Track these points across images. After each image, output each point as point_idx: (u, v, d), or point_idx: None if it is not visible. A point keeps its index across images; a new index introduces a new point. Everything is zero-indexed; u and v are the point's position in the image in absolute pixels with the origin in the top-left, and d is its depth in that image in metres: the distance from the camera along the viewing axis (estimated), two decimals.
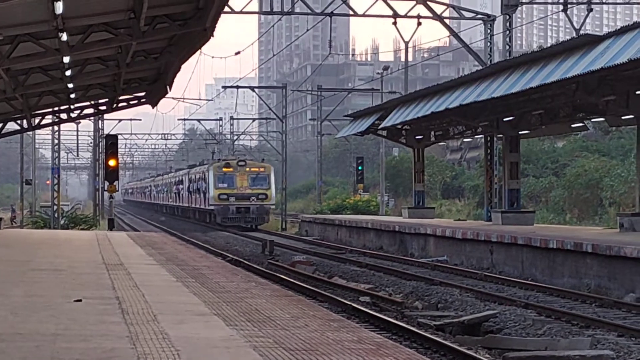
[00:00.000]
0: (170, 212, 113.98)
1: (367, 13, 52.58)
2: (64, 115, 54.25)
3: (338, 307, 24.17)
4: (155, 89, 46.29)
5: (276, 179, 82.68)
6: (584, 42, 32.53)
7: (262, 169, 75.59)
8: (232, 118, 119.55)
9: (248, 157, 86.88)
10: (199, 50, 36.21)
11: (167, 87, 45.10)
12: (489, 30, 53.52)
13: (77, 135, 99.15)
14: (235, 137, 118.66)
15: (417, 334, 19.90)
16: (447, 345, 18.45)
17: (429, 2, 51.63)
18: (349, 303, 25.24)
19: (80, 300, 17.56)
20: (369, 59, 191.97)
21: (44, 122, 55.42)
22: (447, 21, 54.78)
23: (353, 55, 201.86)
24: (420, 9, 51.41)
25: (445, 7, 54.42)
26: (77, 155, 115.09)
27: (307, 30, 73.24)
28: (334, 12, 54.26)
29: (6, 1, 22.11)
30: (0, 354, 12.18)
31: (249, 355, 12.31)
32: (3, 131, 50.79)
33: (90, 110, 55.24)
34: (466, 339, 20.63)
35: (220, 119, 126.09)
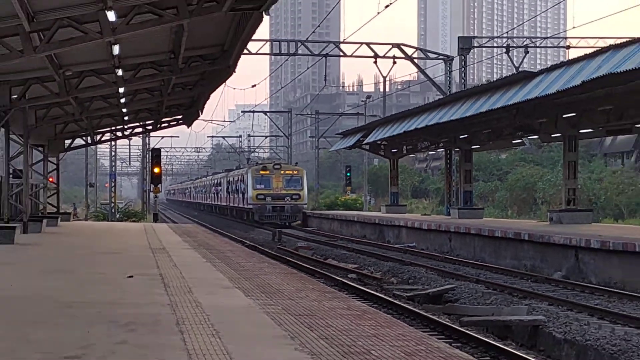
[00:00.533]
0: (207, 210, 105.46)
1: (354, 54, 52.52)
2: (119, 133, 54.65)
3: (331, 282, 24.13)
4: (189, 113, 46.33)
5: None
6: (522, 77, 32.60)
7: (295, 172, 68.39)
8: (249, 136, 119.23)
9: (283, 162, 78.47)
10: (224, 83, 36.31)
11: (199, 111, 45.27)
12: (448, 68, 53.57)
13: (129, 148, 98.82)
14: (252, 151, 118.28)
15: (392, 303, 19.93)
16: (416, 312, 18.49)
17: (402, 46, 51.72)
18: (339, 279, 25.21)
19: (132, 276, 17.61)
20: (355, 90, 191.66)
21: (103, 138, 55.43)
22: (416, 60, 54.75)
23: (343, 87, 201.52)
24: (395, 51, 51.53)
25: (414, 49, 54.34)
26: (129, 164, 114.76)
27: (308, 68, 72.75)
28: (328, 54, 54.27)
29: (75, 45, 22.10)
30: (72, 317, 12.22)
31: (263, 318, 12.35)
32: (72, 145, 50.77)
33: (139, 129, 55.28)
34: (430, 307, 20.63)
35: (240, 137, 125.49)
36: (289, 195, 65.48)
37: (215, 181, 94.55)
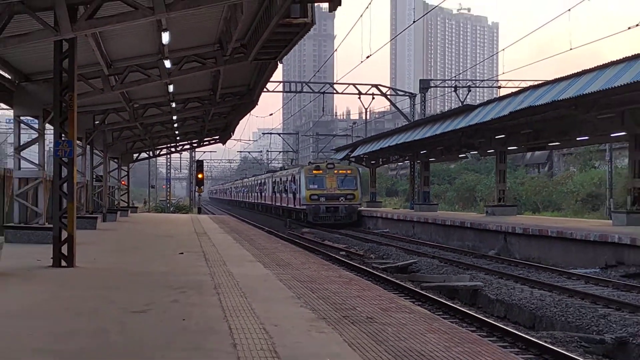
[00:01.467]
0: (246, 207, 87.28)
1: (343, 92, 52.56)
2: (172, 149, 54.58)
3: (327, 257, 24.15)
4: (224, 134, 46.37)
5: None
6: (465, 109, 32.63)
7: (349, 171, 51.21)
8: (267, 151, 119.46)
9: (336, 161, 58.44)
10: (249, 113, 36.39)
11: (231, 133, 45.28)
12: (412, 102, 53.59)
13: (180, 160, 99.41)
14: (269, 163, 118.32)
15: (372, 273, 19.94)
16: (389, 279, 18.53)
17: (378, 86, 51.72)
18: (333, 255, 25.27)
19: (182, 253, 17.65)
20: (344, 117, 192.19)
21: (161, 152, 55.54)
22: (389, 96, 54.85)
23: (335, 115, 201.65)
24: (374, 90, 51.45)
25: (387, 88, 54.37)
26: (180, 171, 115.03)
27: (310, 102, 72.57)
28: (325, 91, 54.32)
29: (141, 85, 22.16)
30: (138, 283, 12.25)
31: (277, 284, 12.37)
32: (139, 157, 50.86)
33: (187, 146, 55.47)
34: (399, 275, 20.65)
35: (261, 152, 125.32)
36: (343, 196, 49.05)
37: (259, 181, 76.60)
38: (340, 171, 48.91)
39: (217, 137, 48.63)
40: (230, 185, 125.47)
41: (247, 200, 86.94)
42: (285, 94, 66.69)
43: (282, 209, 57.27)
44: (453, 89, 51.72)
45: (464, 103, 43.10)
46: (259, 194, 73.87)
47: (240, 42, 19.56)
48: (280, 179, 57.32)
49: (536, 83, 27.37)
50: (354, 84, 51.45)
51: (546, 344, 11.05)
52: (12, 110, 20.64)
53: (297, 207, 50.58)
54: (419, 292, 16.41)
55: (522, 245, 26.35)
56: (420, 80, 54.62)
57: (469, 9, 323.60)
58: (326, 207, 47.50)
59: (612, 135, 28.43)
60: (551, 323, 14.26)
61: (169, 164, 79.84)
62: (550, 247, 24.39)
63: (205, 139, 49.91)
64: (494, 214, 35.57)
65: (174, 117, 32.80)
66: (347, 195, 48.07)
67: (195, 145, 54.79)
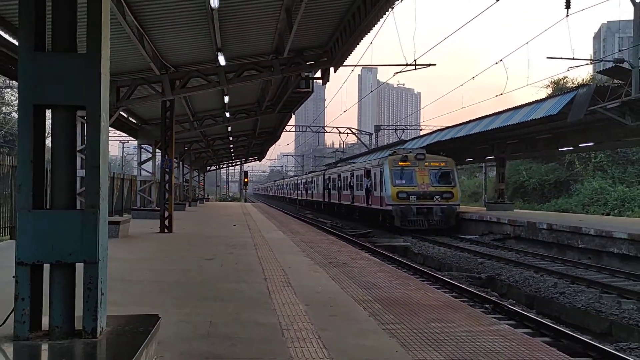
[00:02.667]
0: (286, 202, 63.12)
1: (331, 132, 52.56)
2: (230, 164, 54.21)
3: (320, 229, 23.66)
4: (260, 155, 46.09)
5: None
6: (399, 142, 32.22)
7: (443, 163, 22.07)
8: (285, 167, 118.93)
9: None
10: (275, 143, 36.16)
11: (264, 155, 44.95)
12: (370, 137, 53.62)
13: (234, 169, 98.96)
14: (287, 172, 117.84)
15: (346, 237, 19.52)
16: (355, 241, 18.17)
17: (351, 128, 51.69)
18: (325, 227, 24.59)
19: (235, 225, 17.55)
20: (331, 146, 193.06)
21: (223, 166, 55.35)
22: (357, 134, 54.79)
23: (325, 145, 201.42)
24: (348, 130, 51.42)
25: (357, 130, 54.35)
26: (234, 177, 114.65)
27: (312, 137, 72.55)
28: (319, 131, 54.47)
29: (210, 126, 22.04)
30: (209, 242, 12.17)
31: (290, 244, 12.28)
32: (209, 169, 50.67)
33: (238, 162, 55.13)
34: (362, 238, 20.35)
35: (282, 167, 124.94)
36: (438, 194, 21.81)
37: (304, 180, 49.47)
38: (432, 163, 23.23)
39: (256, 157, 48.51)
40: (271, 183, 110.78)
41: (286, 195, 64.30)
42: (296, 132, 66.44)
43: (360, 210, 27.16)
44: (394, 130, 51.78)
45: (401, 139, 42.96)
46: (303, 191, 48.26)
47: (270, 101, 19.61)
48: (340, 175, 31.77)
49: (441, 128, 27.06)
50: (337, 127, 51.49)
51: (445, 278, 11.12)
52: (137, 141, 20.76)
53: (380, 207, 23.41)
54: (373, 248, 16.19)
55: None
56: (374, 125, 54.72)
57: (403, 84, 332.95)
58: (417, 208, 22.25)
59: (486, 157, 28.40)
60: (450, 267, 14.30)
61: (227, 173, 79.52)
62: None
63: (249, 158, 49.76)
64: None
65: (231, 146, 32.70)
66: (443, 193, 22.33)
67: (243, 161, 54.61)
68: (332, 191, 33.38)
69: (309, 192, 45.10)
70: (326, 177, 36.45)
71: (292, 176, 69.38)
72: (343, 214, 30.66)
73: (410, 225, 21.36)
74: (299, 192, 52.21)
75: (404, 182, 21.91)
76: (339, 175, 31.50)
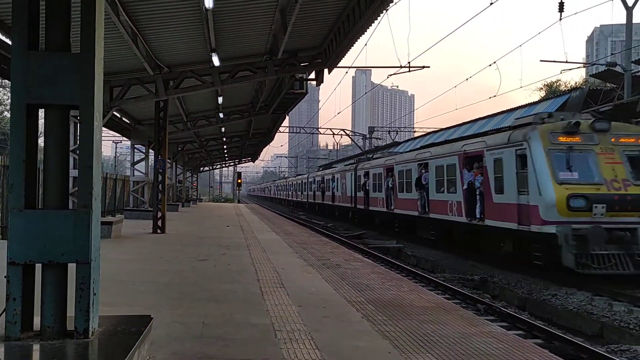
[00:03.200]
0: (282, 203, 59.11)
1: (325, 133, 52.52)
2: (224, 165, 54.16)
3: (314, 229, 23.87)
4: (254, 156, 46.02)
5: None
6: (392, 144, 32.33)
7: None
8: (278, 168, 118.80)
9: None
10: (269, 145, 36.11)
11: (258, 156, 44.92)
12: (364, 139, 53.73)
13: (227, 170, 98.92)
14: (280, 173, 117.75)
15: (339, 239, 19.73)
16: (349, 242, 18.35)
17: (345, 130, 51.77)
18: (319, 229, 24.94)
19: (228, 226, 17.54)
20: (325, 148, 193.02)
21: (216, 167, 55.26)
22: (351, 136, 54.90)
23: (319, 147, 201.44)
24: (342, 132, 51.53)
25: (350, 131, 54.51)
26: (227, 177, 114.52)
27: (305, 138, 72.59)
28: (314, 133, 54.44)
29: (204, 127, 22.00)
30: (202, 243, 12.16)
31: (284, 245, 12.30)
32: (202, 170, 50.56)
33: (232, 163, 55.04)
34: (355, 240, 20.51)
35: (275, 167, 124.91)
36: None
37: (311, 179, 39.81)
38: (621, 140, 8.69)
39: (249, 158, 48.46)
40: (264, 185, 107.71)
41: (283, 197, 59.07)
42: (290, 133, 66.28)
43: (458, 227, 14.69)
44: (387, 132, 51.91)
45: (394, 141, 43.08)
46: (312, 192, 38.30)
47: (264, 102, 19.60)
48: (385, 169, 20.47)
49: (434, 130, 27.35)
50: (331, 129, 51.49)
51: (439, 280, 11.16)
52: (130, 141, 20.70)
53: (527, 228, 9.92)
54: (366, 250, 16.27)
55: None
56: (368, 126, 54.85)
57: (397, 86, 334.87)
58: (609, 229, 8.17)
59: None
60: (444, 269, 14.34)
61: (220, 173, 79.40)
62: None
63: (243, 159, 49.68)
64: None
65: (225, 147, 32.66)
66: None
67: (236, 162, 54.54)
68: (368, 193, 22.60)
69: (327, 194, 31.91)
70: (357, 174, 24.35)
71: (297, 175, 58.19)
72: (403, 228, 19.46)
73: (598, 264, 9.36)
74: (309, 193, 39.10)
75: (575, 175, 9.59)
76: (386, 169, 19.95)
